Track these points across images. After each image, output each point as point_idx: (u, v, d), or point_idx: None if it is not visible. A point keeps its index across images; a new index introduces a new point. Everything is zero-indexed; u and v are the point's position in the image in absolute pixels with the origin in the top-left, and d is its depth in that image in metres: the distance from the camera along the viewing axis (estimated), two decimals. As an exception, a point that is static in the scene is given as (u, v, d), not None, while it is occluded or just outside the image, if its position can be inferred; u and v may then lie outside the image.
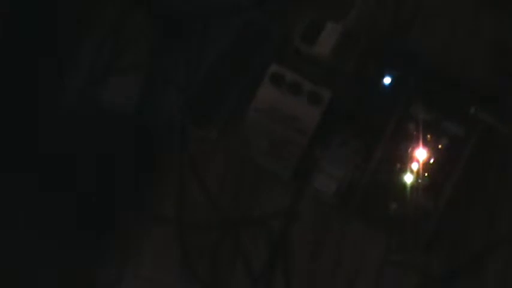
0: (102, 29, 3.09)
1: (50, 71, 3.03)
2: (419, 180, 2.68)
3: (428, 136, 2.69)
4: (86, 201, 2.87)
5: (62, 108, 3.02)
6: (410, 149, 2.71)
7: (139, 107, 3.05)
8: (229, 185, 2.94)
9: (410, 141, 2.71)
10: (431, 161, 2.69)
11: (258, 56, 2.99)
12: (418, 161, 2.69)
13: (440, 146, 2.69)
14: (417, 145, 2.70)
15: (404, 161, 2.70)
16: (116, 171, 2.95)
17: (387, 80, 2.77)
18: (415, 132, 2.70)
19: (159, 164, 2.99)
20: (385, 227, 2.74)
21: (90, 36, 3.08)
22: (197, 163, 2.96)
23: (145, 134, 3.03)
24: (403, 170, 2.70)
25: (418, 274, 2.74)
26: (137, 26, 3.09)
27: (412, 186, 2.68)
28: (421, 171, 2.69)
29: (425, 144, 2.69)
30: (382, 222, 2.73)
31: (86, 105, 3.05)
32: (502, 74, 2.81)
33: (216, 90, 3.00)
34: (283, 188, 2.88)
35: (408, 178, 2.69)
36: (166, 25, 3.09)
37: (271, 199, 2.90)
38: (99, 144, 2.96)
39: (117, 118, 3.04)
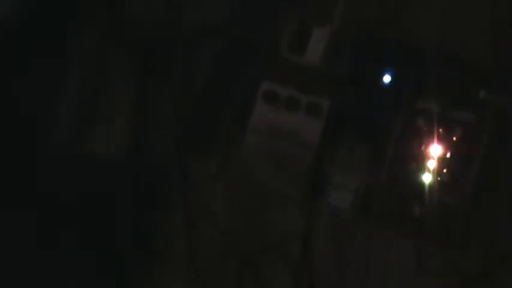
0: (79, 74, 2.94)
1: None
2: (439, 178, 2.52)
3: (441, 130, 2.53)
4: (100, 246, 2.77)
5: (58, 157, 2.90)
6: (423, 146, 2.54)
7: (132, 149, 2.90)
8: (239, 213, 2.80)
9: (422, 138, 2.55)
10: (448, 155, 2.53)
11: (247, 74, 2.83)
12: (433, 158, 2.53)
13: (454, 138, 2.52)
14: (430, 141, 2.53)
15: (419, 159, 2.54)
16: (121, 216, 2.82)
17: (387, 78, 2.62)
18: (425, 128, 2.53)
19: (163, 203, 2.85)
20: (413, 233, 2.57)
21: (67, 81, 2.93)
22: (202, 196, 2.82)
23: (143, 176, 2.89)
24: (420, 170, 2.53)
25: (455, 276, 2.57)
26: (116, 66, 2.94)
27: (432, 185, 2.51)
28: (438, 167, 2.52)
29: (439, 138, 2.52)
30: (409, 229, 2.56)
31: (77, 153, 2.92)
32: (502, 54, 2.65)
33: (209, 118, 2.85)
34: (296, 209, 2.73)
35: (426, 177, 2.52)
36: (146, 62, 2.94)
37: (285, 222, 2.76)
38: (97, 192, 2.83)
39: (112, 164, 2.91)
